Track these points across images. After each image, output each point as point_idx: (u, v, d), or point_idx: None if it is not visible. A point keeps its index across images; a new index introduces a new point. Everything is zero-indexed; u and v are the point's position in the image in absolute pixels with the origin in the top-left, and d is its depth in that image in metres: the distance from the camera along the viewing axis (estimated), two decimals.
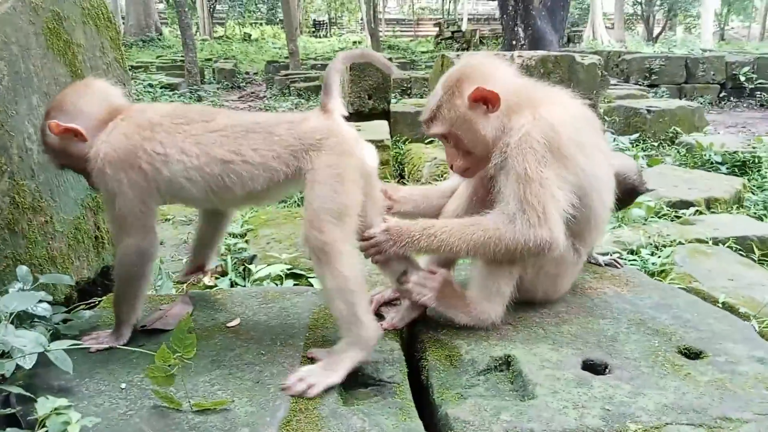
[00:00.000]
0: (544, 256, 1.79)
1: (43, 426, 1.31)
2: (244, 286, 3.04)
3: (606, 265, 2.38)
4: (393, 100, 9.34)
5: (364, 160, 1.72)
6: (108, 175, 1.67)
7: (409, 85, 13.70)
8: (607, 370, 1.66)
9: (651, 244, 3.93)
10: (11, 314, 1.55)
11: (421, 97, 12.19)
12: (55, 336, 1.67)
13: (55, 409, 1.34)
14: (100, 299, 2.16)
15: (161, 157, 1.66)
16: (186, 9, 16.13)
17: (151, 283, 2.65)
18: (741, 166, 6.53)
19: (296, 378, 1.57)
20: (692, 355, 1.74)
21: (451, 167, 1.95)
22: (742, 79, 14.16)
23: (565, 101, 1.89)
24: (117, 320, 1.78)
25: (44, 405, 1.34)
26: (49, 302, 1.69)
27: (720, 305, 2.92)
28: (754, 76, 14.23)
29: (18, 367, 1.44)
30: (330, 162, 1.64)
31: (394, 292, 2.03)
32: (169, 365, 1.43)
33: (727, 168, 6.52)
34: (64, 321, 1.84)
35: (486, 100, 1.80)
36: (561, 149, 1.74)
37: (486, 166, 1.90)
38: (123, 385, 1.56)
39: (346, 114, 1.75)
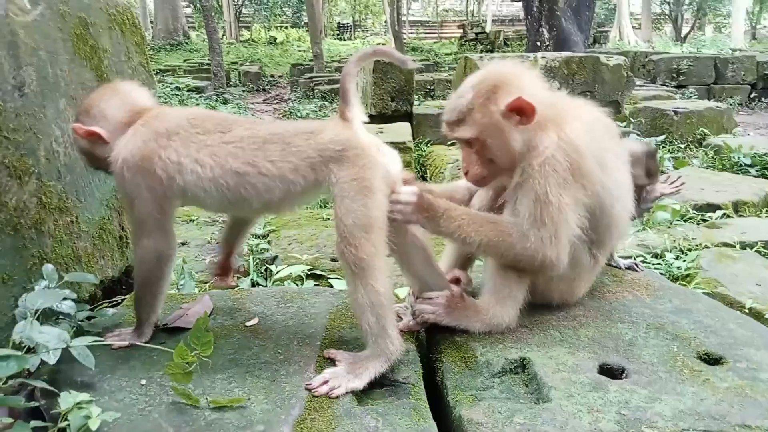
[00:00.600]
0: (543, 273, 1.82)
1: (66, 419, 1.36)
2: (265, 286, 3.08)
3: (626, 268, 2.35)
4: (416, 102, 9.35)
5: (387, 168, 1.72)
6: (126, 178, 1.71)
7: (432, 87, 13.70)
8: (624, 375, 1.65)
9: (676, 248, 3.87)
10: (36, 311, 1.60)
11: (444, 99, 12.16)
12: (78, 333, 1.71)
13: (77, 403, 1.38)
14: (123, 297, 2.21)
15: (176, 166, 1.69)
16: (213, 13, 16.38)
17: (173, 282, 2.70)
18: None
19: (321, 380, 1.60)
20: (712, 360, 1.71)
21: (466, 173, 1.90)
22: None
23: (587, 115, 1.87)
24: (138, 319, 1.82)
25: (67, 399, 1.38)
26: (73, 300, 1.74)
27: (747, 311, 2.87)
28: None
29: (42, 362, 1.48)
30: (355, 175, 1.64)
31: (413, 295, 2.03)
32: (187, 362, 1.47)
33: (757, 170, 6.37)
34: (88, 318, 1.89)
35: (522, 112, 1.74)
36: (582, 170, 1.76)
37: (500, 178, 1.90)
38: (143, 382, 1.60)
39: (366, 120, 1.75)
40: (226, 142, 1.70)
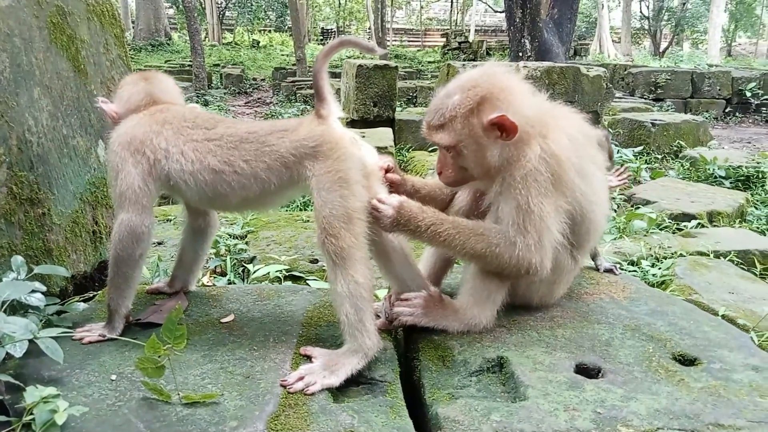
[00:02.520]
0: (526, 278, 1.83)
1: (31, 414, 1.31)
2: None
3: (605, 271, 2.37)
4: (398, 109, 9.37)
5: (363, 160, 1.72)
6: (115, 152, 1.77)
7: (414, 94, 13.77)
8: (600, 374, 1.65)
9: (652, 256, 3.91)
10: (3, 303, 1.55)
11: (426, 106, 12.20)
12: (48, 327, 1.66)
13: (43, 398, 1.34)
14: (95, 293, 2.16)
15: (163, 152, 1.75)
16: (195, 14, 16.27)
17: (147, 281, 2.65)
18: (744, 181, 6.52)
19: (297, 376, 1.59)
20: (687, 361, 1.72)
21: (439, 173, 1.89)
22: (748, 94, 14.15)
23: (569, 126, 1.87)
24: (109, 311, 1.78)
25: (32, 393, 1.34)
26: (43, 293, 1.69)
27: (720, 318, 2.91)
28: (761, 92, 14.23)
29: (9, 356, 1.44)
30: (329, 167, 1.65)
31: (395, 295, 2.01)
32: (159, 356, 1.43)
33: (731, 182, 6.51)
34: (58, 313, 1.84)
35: (504, 129, 1.72)
36: (562, 179, 1.77)
37: (474, 183, 1.90)
38: (113, 377, 1.56)
39: (342, 116, 1.76)
40: (209, 139, 1.75)
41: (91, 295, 2.14)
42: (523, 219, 1.73)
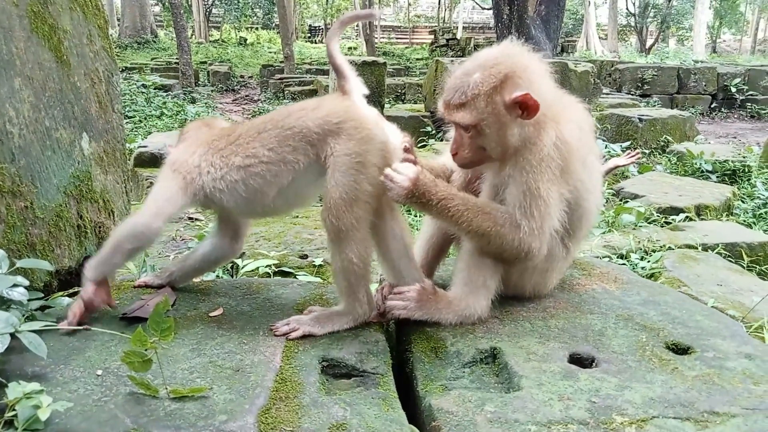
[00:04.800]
0: (521, 262, 1.83)
1: (13, 410, 1.27)
2: None
3: None
4: (387, 105, 9.34)
5: (386, 140, 1.73)
6: (164, 167, 1.93)
7: (403, 91, 13.75)
8: (594, 364, 1.64)
9: (641, 249, 3.93)
10: None
11: (415, 102, 12.21)
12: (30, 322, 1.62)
13: (26, 393, 1.30)
14: (80, 288, 2.11)
15: (199, 169, 1.84)
16: (182, 11, 16.12)
17: (133, 273, 2.61)
18: (731, 175, 6.57)
19: (284, 323, 1.75)
20: (680, 350, 1.72)
21: (454, 155, 1.86)
22: (733, 90, 14.30)
23: (577, 116, 1.87)
24: (83, 278, 1.83)
25: (15, 389, 1.30)
26: (26, 288, 1.65)
27: (711, 308, 2.92)
28: (745, 87, 14.38)
29: None
30: (350, 150, 1.67)
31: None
32: (146, 349, 1.40)
33: (717, 176, 6.56)
34: (42, 309, 1.80)
35: (527, 108, 1.71)
36: (569, 168, 1.77)
37: (487, 165, 1.87)
38: (99, 372, 1.52)
39: (367, 92, 1.78)
40: (230, 143, 1.82)
41: (76, 290, 2.09)
42: (530, 203, 1.73)
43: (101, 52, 2.44)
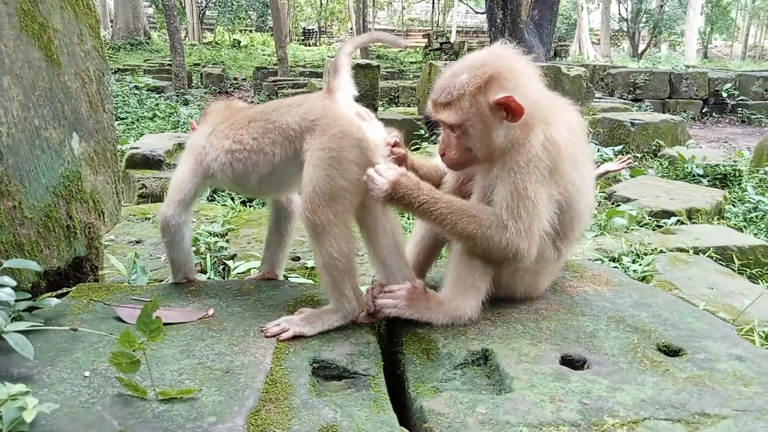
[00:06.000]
0: (510, 263, 1.82)
1: None
2: None
3: None
4: (380, 108, 9.35)
5: (365, 137, 1.72)
6: (184, 150, 2.10)
7: (396, 94, 13.77)
8: (586, 366, 1.64)
9: (632, 252, 3.94)
10: None
11: (409, 105, 12.23)
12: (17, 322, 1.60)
13: (12, 395, 1.28)
14: (69, 289, 2.09)
15: (204, 150, 1.99)
16: (175, 13, 16.08)
17: (123, 275, 2.59)
18: (722, 179, 6.61)
19: (275, 323, 1.74)
20: (671, 352, 1.72)
21: (442, 155, 1.87)
22: (725, 95, 14.39)
23: (568, 117, 1.87)
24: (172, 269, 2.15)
25: (0, 391, 1.28)
26: (13, 288, 1.63)
27: (703, 310, 2.93)
28: (736, 92, 14.48)
29: None
30: (323, 144, 1.68)
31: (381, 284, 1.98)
32: (134, 350, 1.38)
33: (709, 180, 6.59)
34: (30, 309, 1.77)
35: (510, 110, 1.71)
36: (559, 169, 1.77)
37: (476, 167, 1.87)
38: (87, 373, 1.51)
39: (355, 93, 1.80)
40: (228, 127, 1.94)
41: (65, 291, 2.07)
42: (517, 204, 1.72)
43: (92, 51, 2.42)
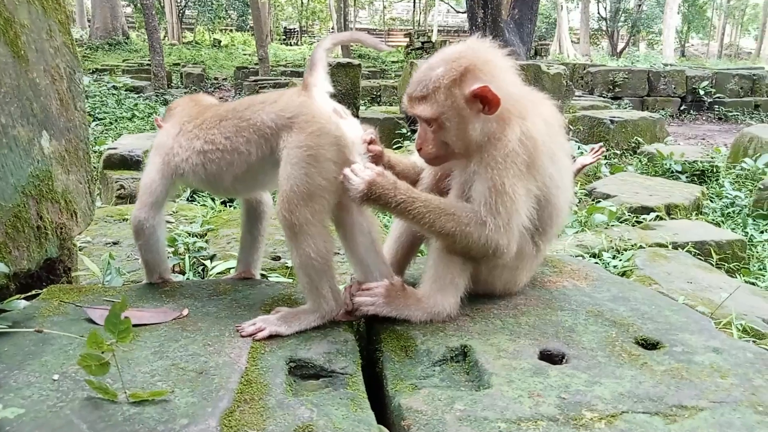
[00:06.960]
0: (490, 260, 1.81)
1: None
2: None
3: None
4: (362, 107, 9.32)
5: (342, 134, 1.69)
6: (151, 149, 2.04)
7: (378, 93, 13.74)
8: (564, 360, 1.63)
9: (612, 248, 3.96)
10: None
11: (390, 104, 12.21)
12: None
13: None
14: (40, 291, 2.04)
15: (173, 150, 1.93)
16: (154, 12, 15.89)
17: (97, 276, 2.54)
18: (700, 175, 6.69)
19: (251, 323, 1.71)
20: (649, 345, 1.72)
21: (419, 150, 1.85)
22: (702, 93, 14.60)
23: (545, 111, 1.87)
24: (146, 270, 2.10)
25: None
26: None
27: (681, 303, 2.95)
28: (713, 90, 14.69)
29: None
30: (301, 142, 1.64)
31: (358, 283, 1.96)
32: (103, 352, 1.34)
33: (687, 177, 6.67)
34: None
35: (486, 102, 1.70)
36: (536, 163, 1.76)
37: (453, 161, 1.85)
38: (55, 377, 1.46)
39: (330, 90, 1.76)
40: (196, 126, 1.89)
41: (35, 293, 2.02)
42: (495, 200, 1.71)
43: (62, 48, 2.36)
